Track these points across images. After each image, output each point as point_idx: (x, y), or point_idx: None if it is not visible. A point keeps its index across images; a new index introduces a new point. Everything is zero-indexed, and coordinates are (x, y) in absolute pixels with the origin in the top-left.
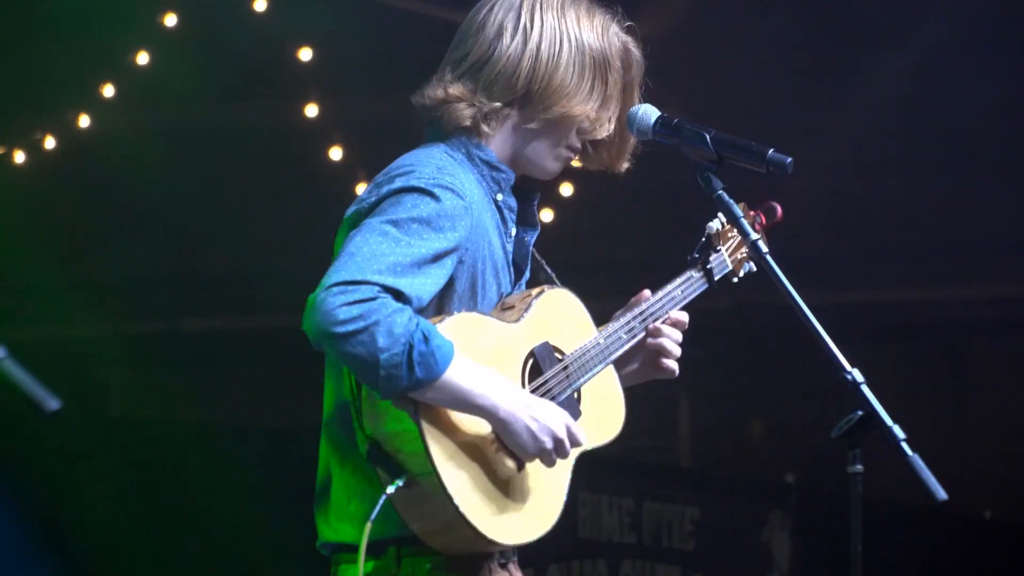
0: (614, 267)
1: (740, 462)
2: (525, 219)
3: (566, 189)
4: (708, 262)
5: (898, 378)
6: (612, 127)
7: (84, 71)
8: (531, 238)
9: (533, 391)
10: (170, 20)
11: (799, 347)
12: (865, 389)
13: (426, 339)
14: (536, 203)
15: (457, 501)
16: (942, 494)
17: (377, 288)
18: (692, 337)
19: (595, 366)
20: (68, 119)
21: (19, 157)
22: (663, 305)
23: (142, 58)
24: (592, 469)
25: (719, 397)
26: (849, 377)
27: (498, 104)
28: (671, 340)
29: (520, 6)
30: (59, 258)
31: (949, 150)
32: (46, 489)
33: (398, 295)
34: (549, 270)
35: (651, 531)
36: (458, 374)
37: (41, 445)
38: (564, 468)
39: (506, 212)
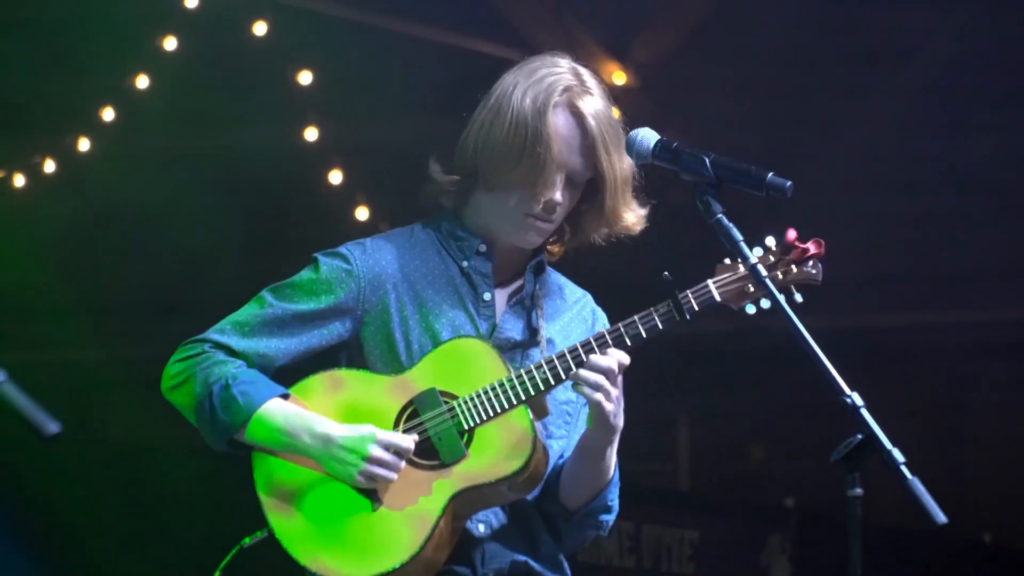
0: (615, 289)
1: (739, 486)
2: (508, 282)
3: None
4: (684, 294)
5: (897, 401)
6: (565, 196)
7: (84, 94)
8: (530, 300)
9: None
10: (170, 44)
11: (798, 370)
12: (864, 412)
13: (228, 386)
14: (533, 268)
15: (289, 549)
16: (942, 517)
17: (208, 344)
18: (692, 360)
19: (494, 408)
20: (68, 142)
21: (19, 181)
22: (595, 347)
23: (142, 81)
24: None
25: (718, 421)
26: (848, 400)
27: (457, 177)
28: (590, 387)
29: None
30: (59, 281)
31: (948, 177)
32: (45, 512)
33: (229, 350)
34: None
35: (651, 554)
36: (269, 416)
37: (40, 468)
38: (427, 513)
39: (475, 277)
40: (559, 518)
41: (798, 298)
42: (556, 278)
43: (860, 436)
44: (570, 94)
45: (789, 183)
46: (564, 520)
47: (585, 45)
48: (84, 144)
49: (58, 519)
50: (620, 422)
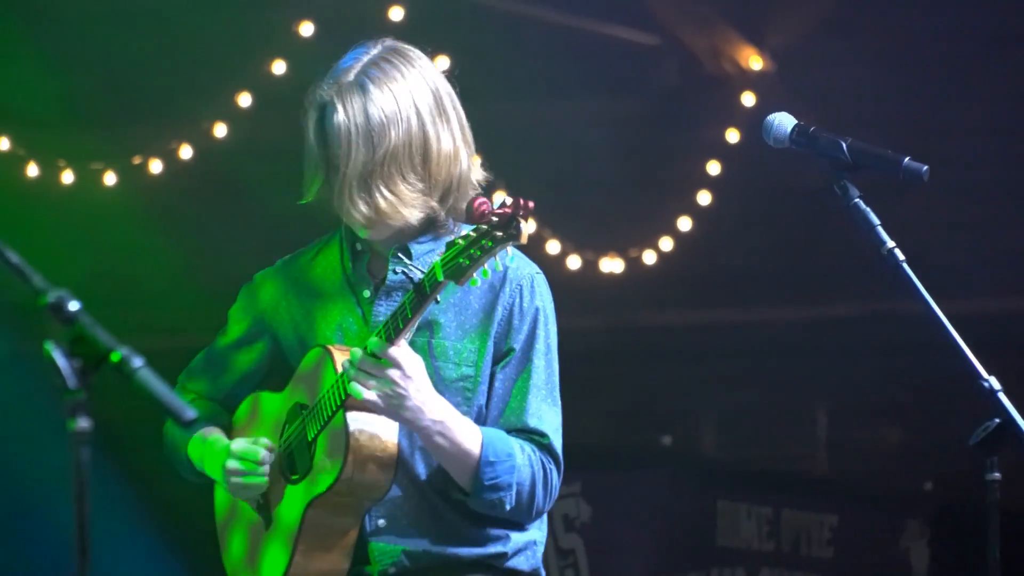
0: (751, 277)
1: (878, 471)
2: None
3: (704, 198)
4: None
5: None
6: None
7: (220, 80)
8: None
9: (283, 450)
10: (306, 29)
11: (935, 355)
12: (1002, 397)
13: (166, 431)
14: (393, 253)
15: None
16: None
17: (176, 386)
18: (828, 346)
19: (324, 416)
20: (204, 128)
21: (155, 166)
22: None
23: (278, 67)
24: (731, 478)
25: (856, 405)
26: (986, 385)
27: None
28: (359, 388)
29: None
30: (195, 267)
31: None
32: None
33: (182, 388)
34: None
35: (789, 539)
36: (192, 444)
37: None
38: (290, 527)
39: (356, 276)
40: (465, 501)
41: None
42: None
43: (997, 420)
44: (322, 91)
45: (925, 168)
46: (467, 502)
47: (721, 30)
48: (220, 129)
49: (185, 510)
50: (408, 414)
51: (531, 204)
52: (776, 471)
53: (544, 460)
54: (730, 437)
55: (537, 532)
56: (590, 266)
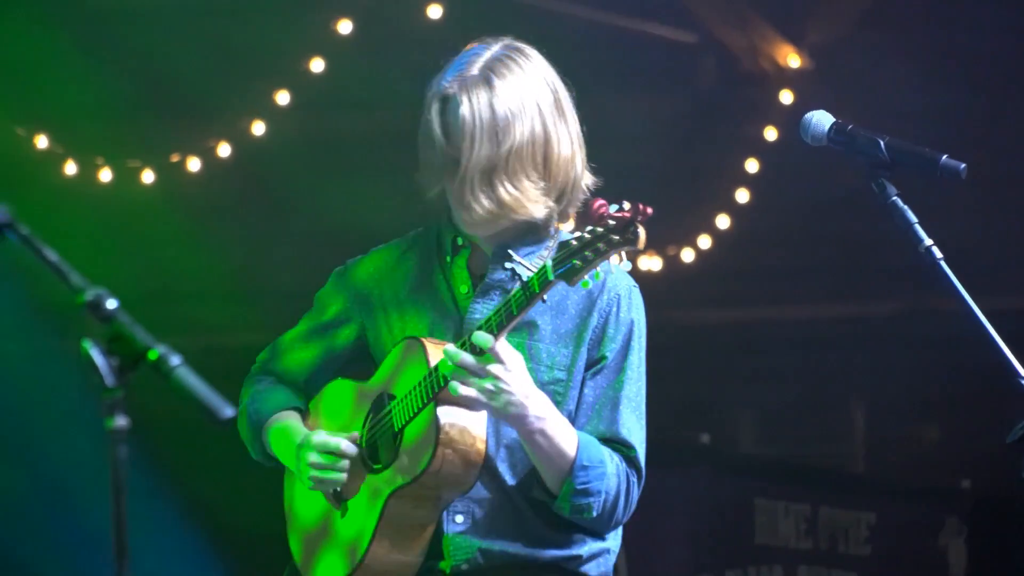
0: (789, 275)
1: (915, 468)
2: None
3: (742, 195)
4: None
5: None
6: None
7: (259, 78)
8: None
9: (366, 440)
10: (344, 27)
11: (973, 352)
12: None
13: (242, 396)
14: (496, 254)
15: (295, 555)
16: None
17: (255, 366)
18: (866, 343)
19: (413, 408)
20: (243, 126)
21: (193, 165)
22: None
23: (316, 65)
24: (769, 475)
25: (894, 403)
26: None
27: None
28: (458, 385)
29: None
30: (233, 266)
31: None
32: (207, 500)
33: (260, 367)
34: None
35: (827, 537)
36: (274, 434)
37: (202, 454)
38: (371, 517)
39: (454, 271)
40: (548, 504)
41: (626, 265)
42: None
43: None
44: (445, 84)
45: (963, 165)
46: (551, 505)
47: (759, 28)
48: (259, 127)
49: (219, 507)
50: (513, 410)
51: (649, 210)
52: (814, 469)
53: (629, 473)
54: (768, 435)
55: (612, 541)
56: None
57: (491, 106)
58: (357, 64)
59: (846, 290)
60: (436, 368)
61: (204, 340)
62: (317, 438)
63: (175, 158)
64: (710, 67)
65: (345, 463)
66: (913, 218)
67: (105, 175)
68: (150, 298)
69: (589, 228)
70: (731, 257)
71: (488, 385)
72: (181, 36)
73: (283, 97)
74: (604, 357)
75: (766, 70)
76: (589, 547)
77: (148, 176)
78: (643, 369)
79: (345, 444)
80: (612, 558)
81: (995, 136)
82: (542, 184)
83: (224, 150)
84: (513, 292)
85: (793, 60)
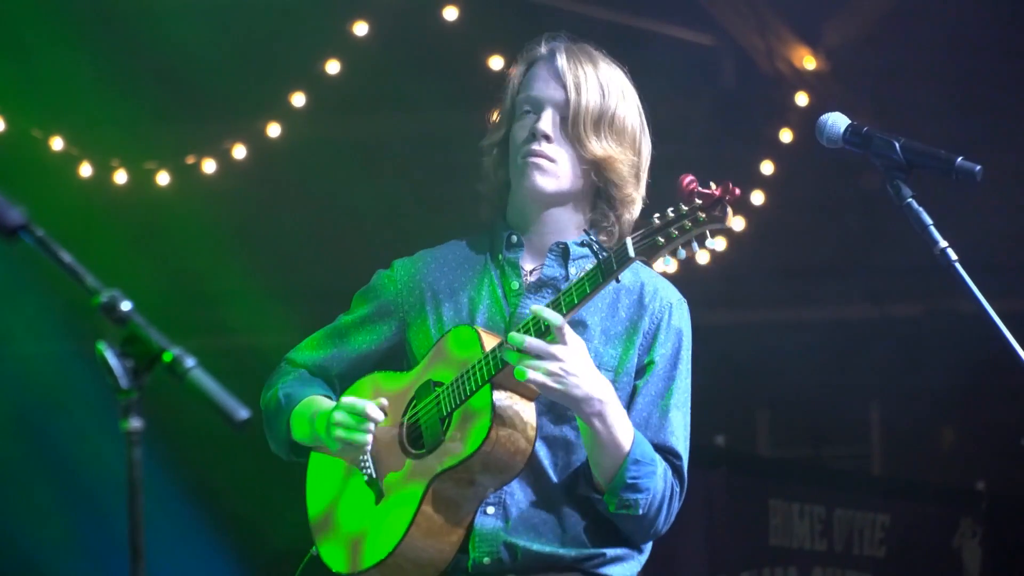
0: (803, 277)
1: (930, 469)
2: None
3: (757, 197)
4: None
5: None
6: (555, 128)
7: (274, 79)
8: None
9: (408, 424)
10: (360, 29)
11: (988, 354)
12: None
13: (269, 387)
14: (555, 251)
15: (316, 542)
16: None
17: (284, 361)
18: (881, 343)
19: (464, 391)
20: (258, 127)
21: (208, 166)
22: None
23: (332, 67)
24: (784, 477)
25: (910, 404)
26: None
27: (492, 176)
28: (522, 367)
29: None
30: (248, 267)
31: None
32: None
33: (291, 362)
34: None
35: (842, 538)
36: (301, 412)
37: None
38: (411, 500)
39: (506, 267)
40: (595, 500)
41: (712, 244)
42: (637, 275)
43: None
44: (540, 53)
45: (979, 167)
46: (598, 501)
47: (776, 30)
48: (274, 129)
49: (243, 508)
50: (579, 392)
51: (738, 191)
52: (829, 470)
53: (674, 482)
54: (783, 436)
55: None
56: None
57: (596, 68)
58: (373, 66)
59: (861, 293)
60: (492, 353)
61: (220, 341)
62: (346, 399)
63: (191, 160)
64: (727, 69)
65: (370, 425)
66: (928, 220)
67: (120, 177)
68: (166, 299)
69: (672, 208)
70: (746, 259)
71: (554, 367)
72: (197, 38)
73: (299, 99)
74: (653, 362)
75: (782, 72)
76: (616, 550)
77: (163, 178)
78: (689, 382)
79: (371, 408)
80: (636, 567)
81: (1018, 136)
82: (633, 159)
83: (239, 152)
84: (587, 272)
85: (809, 63)
